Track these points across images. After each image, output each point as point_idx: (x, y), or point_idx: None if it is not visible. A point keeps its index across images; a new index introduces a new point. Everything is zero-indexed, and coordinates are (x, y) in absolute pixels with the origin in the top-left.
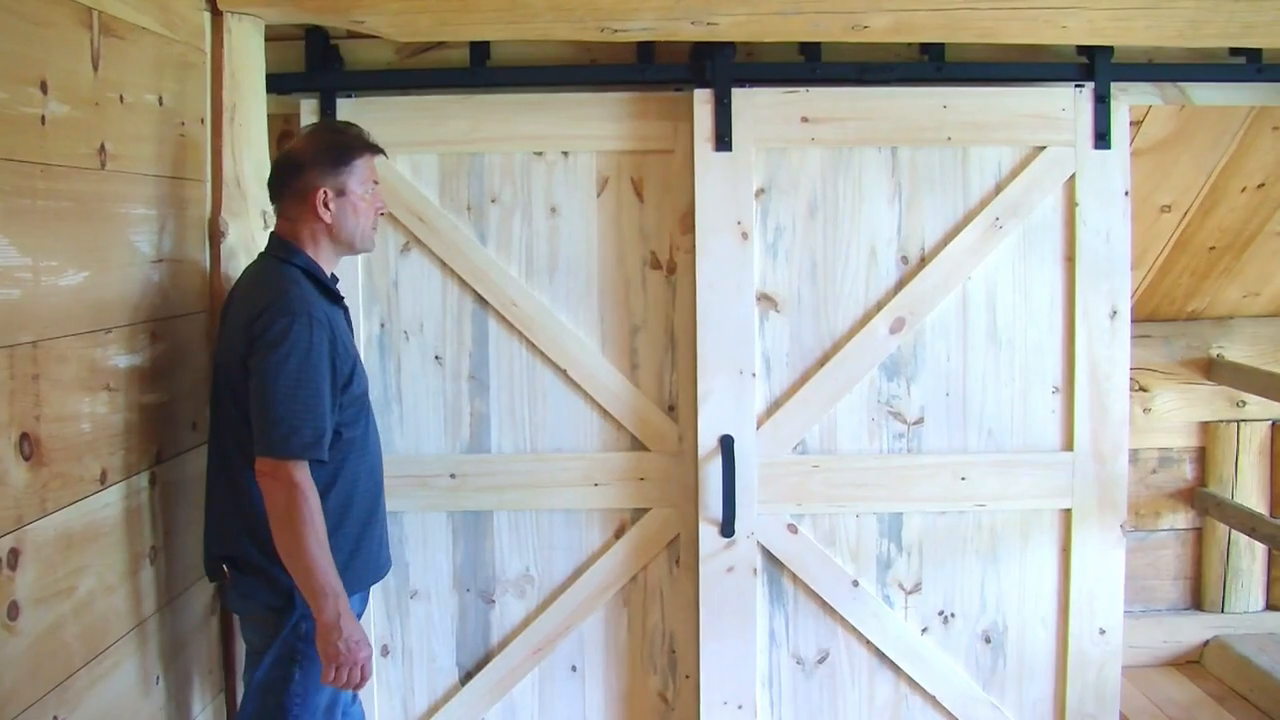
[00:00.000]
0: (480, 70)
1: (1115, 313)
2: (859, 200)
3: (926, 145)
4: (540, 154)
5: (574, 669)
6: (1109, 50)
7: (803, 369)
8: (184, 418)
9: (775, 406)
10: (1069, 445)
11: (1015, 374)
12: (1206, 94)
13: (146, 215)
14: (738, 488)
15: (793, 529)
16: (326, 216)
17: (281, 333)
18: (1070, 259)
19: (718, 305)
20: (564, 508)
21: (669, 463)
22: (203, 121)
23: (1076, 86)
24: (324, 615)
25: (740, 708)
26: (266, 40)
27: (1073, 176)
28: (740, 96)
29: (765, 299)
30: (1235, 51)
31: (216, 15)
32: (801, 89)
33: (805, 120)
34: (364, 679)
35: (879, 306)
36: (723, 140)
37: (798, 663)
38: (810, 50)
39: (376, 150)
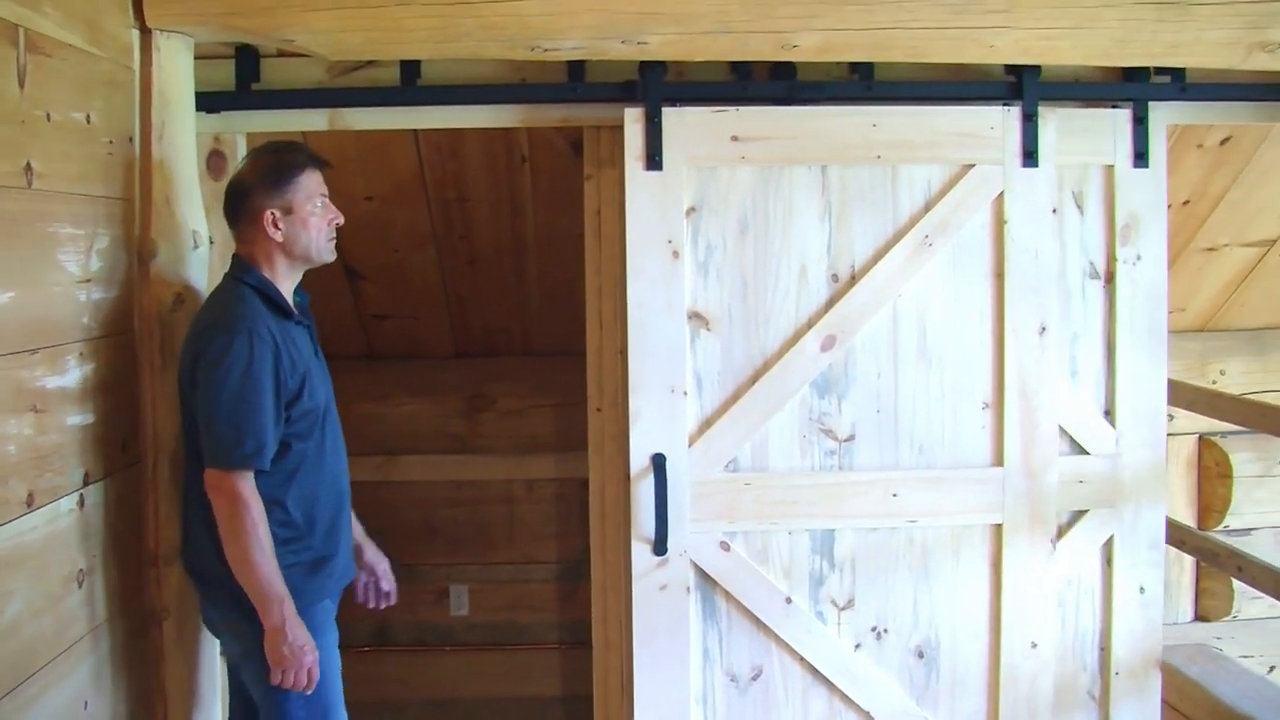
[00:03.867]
0: (410, 89)
1: (1044, 329)
2: (789, 218)
3: (856, 164)
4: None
5: None
6: (1036, 69)
7: (734, 387)
8: (114, 439)
9: (707, 425)
10: (999, 461)
11: (946, 390)
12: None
13: (74, 234)
14: (670, 506)
15: (725, 547)
16: (277, 236)
17: (222, 349)
18: (999, 276)
19: (649, 324)
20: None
21: (1107, 465)
22: (131, 140)
23: (1005, 105)
24: (269, 620)
25: None
26: (195, 58)
27: (1001, 194)
28: (671, 115)
29: (696, 317)
30: (1160, 71)
31: (145, 33)
32: (732, 108)
33: (736, 139)
34: (311, 682)
35: (810, 324)
36: (653, 159)
37: (731, 680)
38: (741, 69)
39: (321, 164)
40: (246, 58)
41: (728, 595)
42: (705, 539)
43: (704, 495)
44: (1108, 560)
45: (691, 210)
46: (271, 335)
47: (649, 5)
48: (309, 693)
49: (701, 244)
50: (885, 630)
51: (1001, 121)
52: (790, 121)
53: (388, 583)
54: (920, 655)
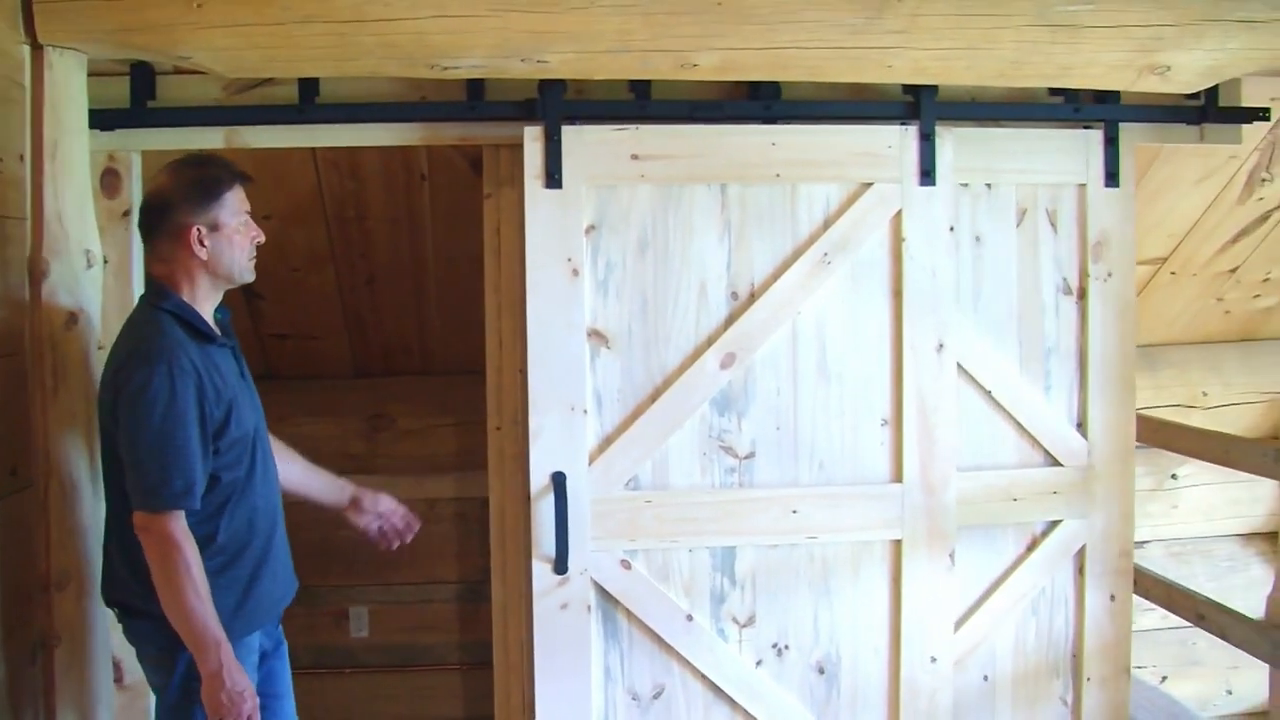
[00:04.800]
0: (309, 107)
1: (942, 346)
2: (689, 237)
3: (756, 182)
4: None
5: (985, 678)
6: (934, 89)
7: (634, 405)
8: (3, 462)
9: (607, 443)
10: (898, 477)
11: (845, 407)
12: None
13: None
14: (570, 525)
15: (626, 565)
16: (203, 254)
17: (142, 385)
18: (898, 294)
19: (548, 342)
20: (983, 523)
21: (1079, 477)
22: (22, 158)
23: (902, 125)
24: (206, 666)
25: None
26: (89, 75)
27: (899, 213)
28: (570, 134)
29: (596, 335)
30: (1054, 92)
31: (37, 49)
32: (631, 126)
33: (635, 157)
34: None
35: (709, 342)
36: (553, 177)
37: (633, 699)
38: (640, 88)
39: (245, 179)
40: (142, 75)
41: (629, 614)
42: (606, 557)
43: (605, 513)
44: (1079, 569)
45: (591, 228)
46: (194, 366)
47: (549, 24)
48: None
49: (601, 262)
50: (786, 647)
51: (899, 140)
52: (690, 140)
53: (399, 518)
54: (821, 671)
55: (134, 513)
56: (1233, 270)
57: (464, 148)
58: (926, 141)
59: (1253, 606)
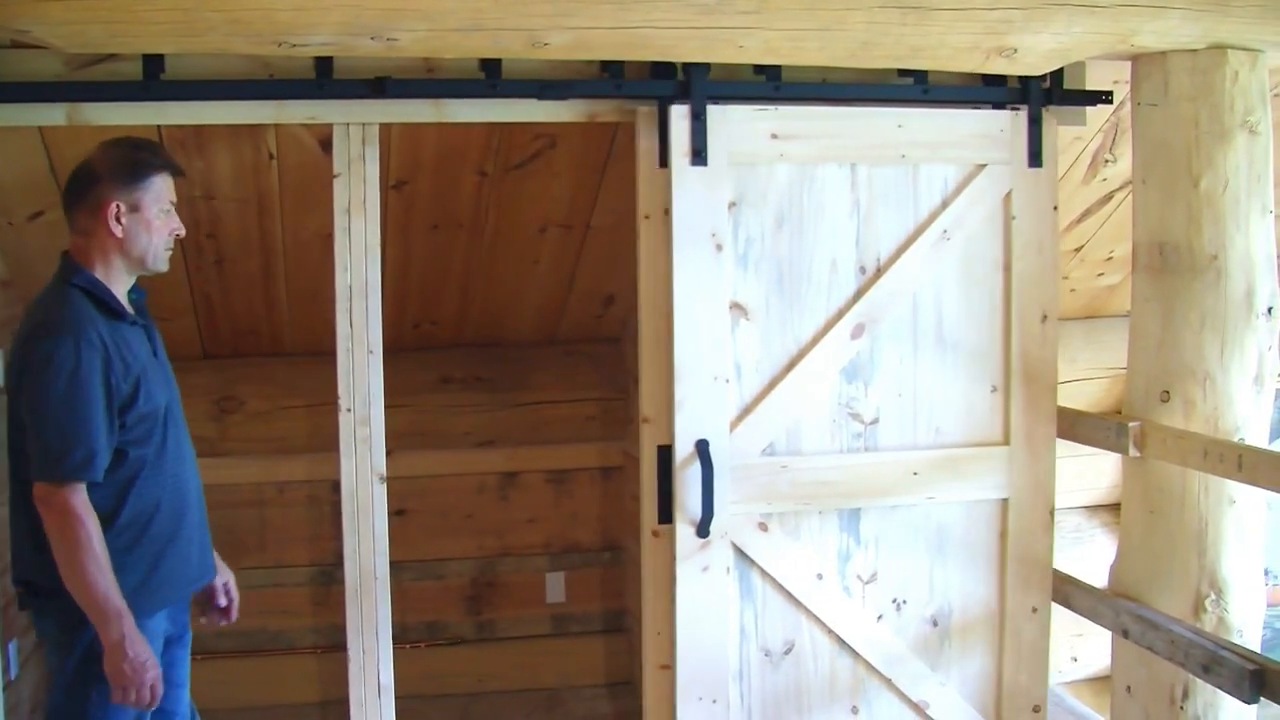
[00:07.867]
0: (154, 83)
1: (1046, 317)
2: (821, 213)
3: (882, 162)
4: None
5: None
6: (1040, 79)
7: (771, 374)
8: None
9: (746, 411)
10: (1006, 440)
11: (959, 374)
12: None
13: None
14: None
15: (763, 527)
16: (118, 231)
17: (47, 355)
18: (1007, 268)
19: (693, 314)
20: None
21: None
22: None
23: (1012, 109)
24: (109, 637)
25: (714, 701)
26: None
27: (1009, 193)
28: (715, 113)
29: (737, 307)
30: (904, 73)
31: None
32: (771, 106)
33: (775, 137)
34: (154, 698)
35: (840, 314)
36: (699, 155)
37: (766, 655)
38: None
39: (176, 171)
40: None
41: (764, 574)
42: (744, 520)
43: (743, 478)
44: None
45: (732, 204)
46: (101, 339)
47: (398, 1)
48: (150, 709)
49: (741, 237)
50: (904, 601)
51: (1010, 124)
52: (825, 121)
53: (223, 598)
54: (935, 624)
55: (35, 484)
56: (1078, 249)
57: (314, 127)
58: (1035, 125)
59: (1097, 576)
